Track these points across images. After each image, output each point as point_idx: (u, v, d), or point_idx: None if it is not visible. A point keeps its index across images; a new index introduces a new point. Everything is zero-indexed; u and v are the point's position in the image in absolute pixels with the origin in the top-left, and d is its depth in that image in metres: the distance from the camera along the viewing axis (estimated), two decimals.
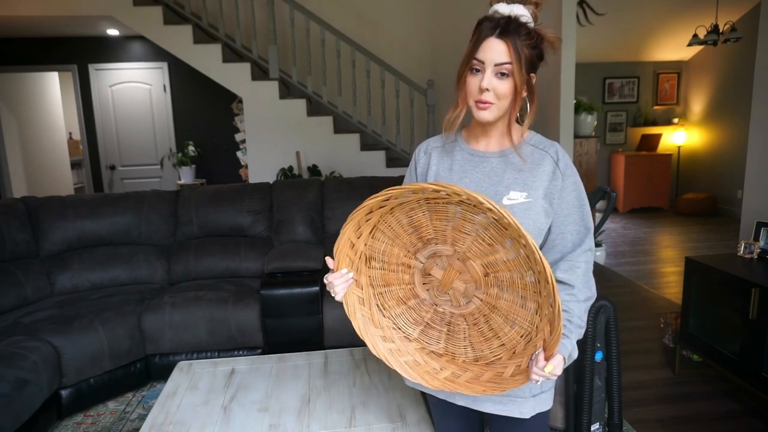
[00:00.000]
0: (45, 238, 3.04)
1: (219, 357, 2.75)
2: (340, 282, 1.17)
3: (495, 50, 1.06)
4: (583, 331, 1.13)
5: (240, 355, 2.75)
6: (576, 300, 1.13)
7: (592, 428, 1.76)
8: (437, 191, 1.00)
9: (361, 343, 2.67)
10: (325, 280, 1.19)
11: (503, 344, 1.11)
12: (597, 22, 4.71)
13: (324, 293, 2.82)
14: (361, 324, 1.21)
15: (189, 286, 2.97)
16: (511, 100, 1.10)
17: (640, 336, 3.26)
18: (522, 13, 1.07)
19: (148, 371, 2.75)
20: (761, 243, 2.60)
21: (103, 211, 3.16)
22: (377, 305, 1.24)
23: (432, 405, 1.39)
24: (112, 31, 5.54)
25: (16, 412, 2.02)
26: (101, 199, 3.23)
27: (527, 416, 1.16)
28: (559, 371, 1.00)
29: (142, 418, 2.43)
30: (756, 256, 2.58)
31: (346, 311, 1.21)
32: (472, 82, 1.10)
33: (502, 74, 1.07)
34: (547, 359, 0.99)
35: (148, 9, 4.59)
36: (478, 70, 1.08)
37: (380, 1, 5.65)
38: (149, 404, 2.57)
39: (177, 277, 3.16)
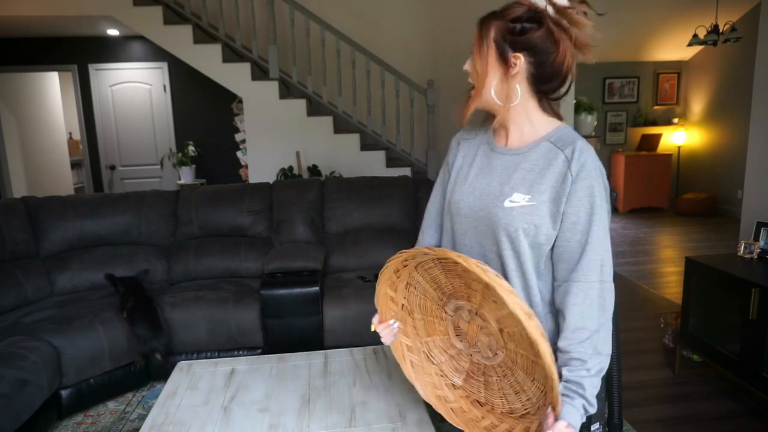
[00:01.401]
0: (45, 238, 3.04)
1: (219, 357, 2.75)
2: (383, 331, 1.25)
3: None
4: (586, 399, 0.99)
5: (240, 355, 2.75)
6: (567, 354, 1.01)
7: (592, 428, 1.76)
8: (441, 259, 1.07)
9: (360, 343, 2.67)
10: (373, 325, 1.27)
11: (529, 398, 1.11)
12: (597, 22, 4.71)
13: (324, 293, 2.82)
14: (410, 369, 1.28)
15: (189, 286, 2.98)
16: (480, 80, 1.07)
17: (640, 336, 3.26)
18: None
19: (148, 371, 2.75)
20: (761, 243, 2.60)
21: (103, 211, 3.16)
22: (425, 352, 1.28)
23: None
24: (112, 31, 5.54)
25: (16, 412, 2.02)
26: (101, 199, 3.23)
27: None
28: None
29: (142, 418, 2.43)
30: (756, 256, 2.58)
31: (395, 356, 1.29)
32: None
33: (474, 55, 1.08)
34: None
35: (148, 9, 4.59)
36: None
37: (380, 1, 5.65)
38: (149, 404, 2.57)
39: (177, 277, 3.16)
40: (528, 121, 1.09)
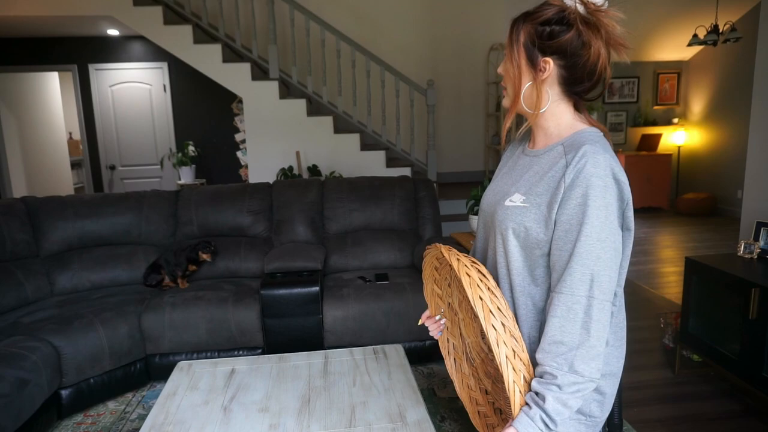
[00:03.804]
0: (45, 238, 3.04)
1: (219, 357, 2.75)
2: (431, 325, 1.29)
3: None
4: (546, 412, 0.94)
5: (240, 355, 2.75)
6: (541, 367, 0.98)
7: None
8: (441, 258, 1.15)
9: (360, 343, 2.67)
10: (421, 320, 1.31)
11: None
12: None
13: (324, 293, 2.82)
14: (452, 365, 1.31)
15: (189, 286, 2.98)
16: (514, 85, 1.05)
17: (640, 336, 3.26)
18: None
19: (148, 371, 2.75)
20: (761, 243, 2.60)
21: (103, 211, 3.16)
22: (466, 353, 1.31)
23: None
24: (112, 31, 5.54)
25: (16, 412, 2.02)
26: (101, 199, 3.23)
27: None
28: None
29: (142, 418, 2.43)
30: (756, 256, 2.58)
31: (441, 351, 1.33)
32: None
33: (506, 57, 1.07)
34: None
35: (148, 9, 4.60)
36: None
37: (380, 2, 5.65)
38: (149, 404, 2.57)
39: None
40: (556, 124, 1.07)
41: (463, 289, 1.18)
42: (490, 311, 0.95)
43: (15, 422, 2.01)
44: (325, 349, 2.74)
